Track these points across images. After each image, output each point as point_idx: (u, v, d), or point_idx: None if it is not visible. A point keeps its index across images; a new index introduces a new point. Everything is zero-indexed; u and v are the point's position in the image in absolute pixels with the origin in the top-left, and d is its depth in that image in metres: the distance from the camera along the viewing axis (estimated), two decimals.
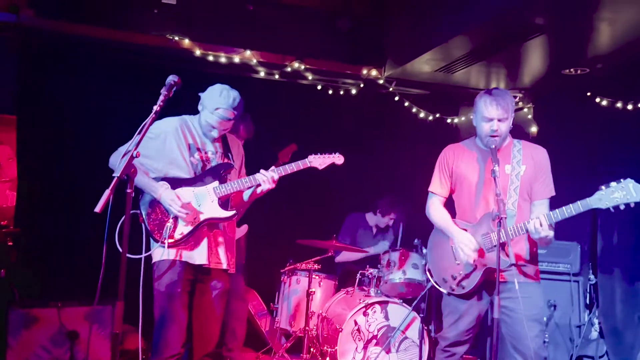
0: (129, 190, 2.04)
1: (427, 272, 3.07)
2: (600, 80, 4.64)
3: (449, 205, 3.10)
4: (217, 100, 2.86)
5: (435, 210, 3.05)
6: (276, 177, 2.91)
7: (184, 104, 3.03)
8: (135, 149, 2.07)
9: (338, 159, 3.20)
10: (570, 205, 2.60)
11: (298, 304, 4.44)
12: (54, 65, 4.60)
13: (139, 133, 2.11)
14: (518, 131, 5.73)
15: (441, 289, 2.96)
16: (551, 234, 2.68)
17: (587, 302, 4.44)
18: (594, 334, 4.30)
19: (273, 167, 2.94)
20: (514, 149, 2.93)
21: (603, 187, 2.55)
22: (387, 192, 5.14)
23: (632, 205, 2.50)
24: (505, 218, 2.62)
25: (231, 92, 2.90)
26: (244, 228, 4.29)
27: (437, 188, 3.06)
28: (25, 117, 4.52)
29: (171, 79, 2.37)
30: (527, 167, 2.89)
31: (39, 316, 3.62)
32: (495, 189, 2.67)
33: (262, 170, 2.94)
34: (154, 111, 2.22)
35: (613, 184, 2.53)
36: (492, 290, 2.82)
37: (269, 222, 4.54)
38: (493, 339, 2.60)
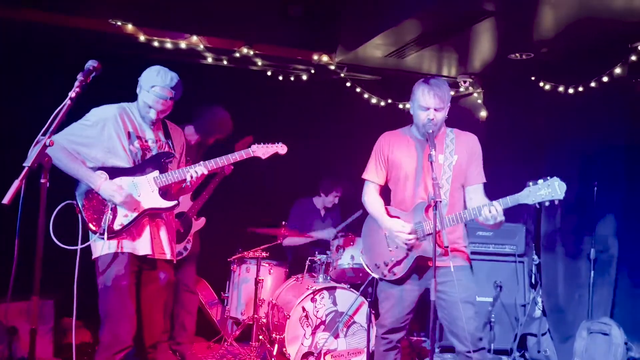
0: (42, 180, 1.95)
1: (361, 257, 3.09)
2: (544, 65, 4.72)
3: (386, 193, 3.11)
4: (154, 79, 2.79)
5: (370, 198, 3.05)
6: (205, 172, 2.88)
7: (127, 91, 2.93)
8: (49, 137, 1.97)
9: (281, 148, 3.18)
10: (500, 199, 2.69)
11: (248, 292, 4.42)
12: None
13: (52, 120, 2.02)
14: (468, 116, 5.83)
15: (373, 275, 2.99)
16: (504, 218, 2.74)
17: (532, 281, 4.56)
18: (538, 312, 4.43)
19: (201, 162, 2.91)
20: (447, 138, 2.96)
21: (531, 183, 2.64)
22: (335, 175, 5.16)
23: (556, 202, 2.60)
24: (441, 202, 2.65)
25: (169, 72, 2.84)
26: (202, 221, 4.23)
27: (372, 176, 3.07)
28: None
29: (90, 64, 2.28)
30: (459, 156, 2.93)
31: None
32: (432, 173, 2.68)
33: (201, 163, 2.93)
34: (69, 97, 2.13)
35: (540, 181, 2.62)
36: (425, 275, 2.90)
37: (220, 211, 4.48)
38: (430, 322, 2.65)
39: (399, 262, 2.89)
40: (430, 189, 2.84)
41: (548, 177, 2.61)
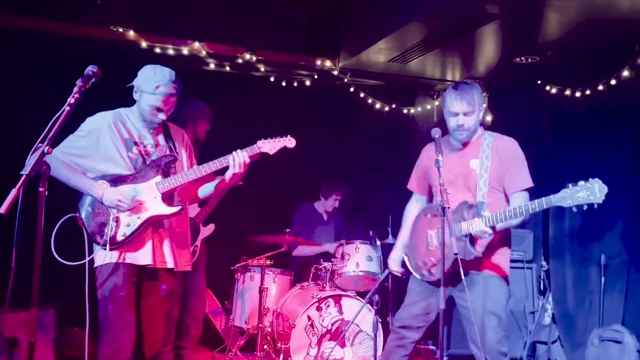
0: (41, 189, 1.89)
1: (405, 257, 3.05)
2: (549, 68, 4.68)
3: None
4: (155, 79, 2.70)
5: (407, 207, 3.17)
6: (213, 168, 2.76)
7: (130, 99, 2.84)
8: (47, 145, 1.92)
9: (289, 142, 2.98)
10: (535, 201, 2.54)
11: (252, 301, 4.36)
12: None
13: (51, 127, 1.97)
14: None
15: (415, 274, 2.96)
16: (490, 231, 2.65)
17: (541, 288, 4.49)
18: (547, 319, 4.35)
19: (205, 164, 2.78)
20: (484, 142, 2.91)
21: (570, 185, 2.47)
22: (335, 179, 5.13)
23: (595, 206, 2.42)
24: (449, 208, 2.59)
25: (164, 68, 2.75)
26: (210, 227, 4.17)
27: (412, 185, 3.18)
28: None
29: (90, 69, 2.22)
30: (492, 160, 2.87)
31: None
32: (439, 178, 2.65)
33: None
34: (67, 103, 2.07)
35: (581, 182, 2.45)
36: (456, 282, 2.79)
37: (222, 218, 4.42)
38: (440, 330, 2.58)
39: (435, 264, 2.84)
40: (467, 195, 2.83)
41: (590, 179, 2.42)
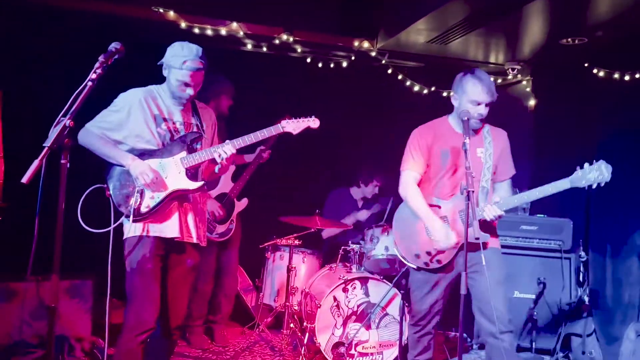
0: (63, 161, 1.97)
1: (395, 249, 3.04)
2: (598, 51, 4.45)
3: None
4: (183, 54, 2.75)
5: (410, 191, 3.04)
6: (234, 150, 2.79)
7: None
8: (69, 118, 1.98)
9: (313, 122, 3.00)
10: (554, 183, 2.74)
11: (282, 280, 4.41)
12: (27, 39, 4.50)
13: (73, 101, 2.03)
14: (516, 105, 5.58)
15: (411, 265, 2.99)
16: (503, 214, 2.83)
17: (579, 279, 4.33)
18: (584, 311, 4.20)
19: (228, 141, 2.82)
20: (484, 130, 3.00)
21: (578, 167, 2.73)
22: (373, 164, 5.07)
23: (602, 184, 2.69)
24: (474, 192, 2.61)
25: (192, 44, 2.80)
26: (244, 202, 4.26)
27: (412, 166, 3.06)
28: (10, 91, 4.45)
29: (113, 45, 2.27)
30: (495, 147, 2.95)
31: (18, 290, 3.64)
32: (465, 162, 2.65)
33: (227, 142, 2.84)
34: (89, 78, 2.13)
35: (586, 165, 2.72)
36: (458, 261, 2.93)
37: (257, 197, 4.48)
38: (460, 314, 2.62)
39: (442, 251, 2.91)
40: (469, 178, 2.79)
41: (594, 161, 2.69)
